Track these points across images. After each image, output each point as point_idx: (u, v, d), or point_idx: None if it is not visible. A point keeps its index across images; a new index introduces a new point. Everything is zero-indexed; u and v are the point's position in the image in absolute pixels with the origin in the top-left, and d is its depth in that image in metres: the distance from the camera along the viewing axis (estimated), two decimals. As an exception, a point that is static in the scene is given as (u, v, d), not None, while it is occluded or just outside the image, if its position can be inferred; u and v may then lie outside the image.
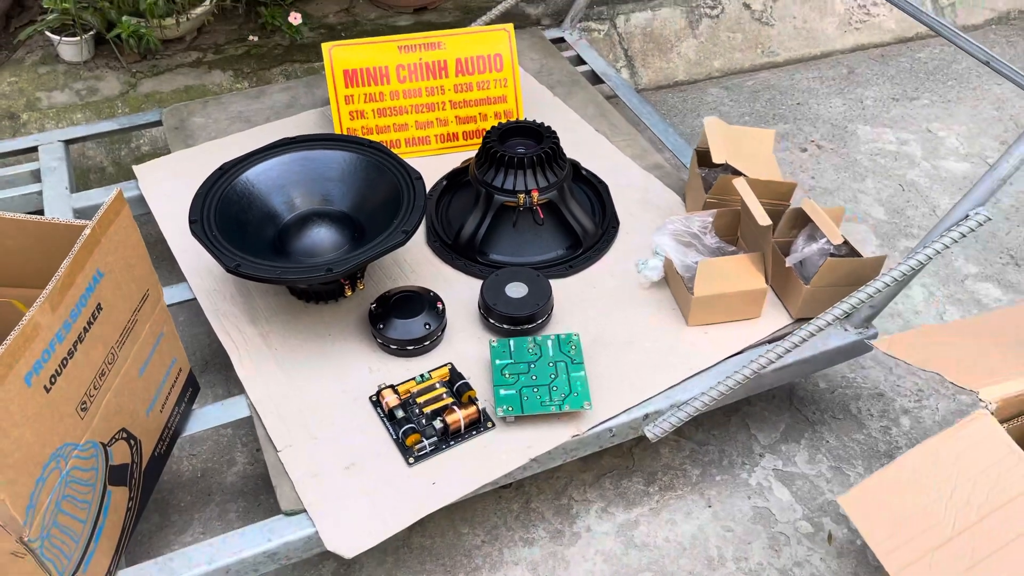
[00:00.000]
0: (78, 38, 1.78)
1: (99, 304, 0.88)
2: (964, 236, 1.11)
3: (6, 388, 0.75)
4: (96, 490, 0.91)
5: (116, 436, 0.94)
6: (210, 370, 1.39)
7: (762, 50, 2.12)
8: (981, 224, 1.10)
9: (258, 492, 1.23)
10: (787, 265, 1.22)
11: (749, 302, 1.22)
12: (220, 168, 1.24)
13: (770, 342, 1.23)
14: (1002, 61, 1.17)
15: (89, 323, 0.87)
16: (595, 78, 1.79)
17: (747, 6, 2.13)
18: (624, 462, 1.28)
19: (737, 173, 1.30)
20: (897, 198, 1.75)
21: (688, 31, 2.08)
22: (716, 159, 1.28)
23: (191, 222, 1.16)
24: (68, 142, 1.57)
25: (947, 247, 1.11)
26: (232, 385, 1.36)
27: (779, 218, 1.28)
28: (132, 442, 0.98)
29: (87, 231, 0.86)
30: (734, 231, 1.29)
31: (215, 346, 1.41)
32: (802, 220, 1.26)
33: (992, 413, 0.84)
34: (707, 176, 1.36)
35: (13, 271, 0.98)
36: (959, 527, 0.80)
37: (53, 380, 0.82)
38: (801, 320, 1.24)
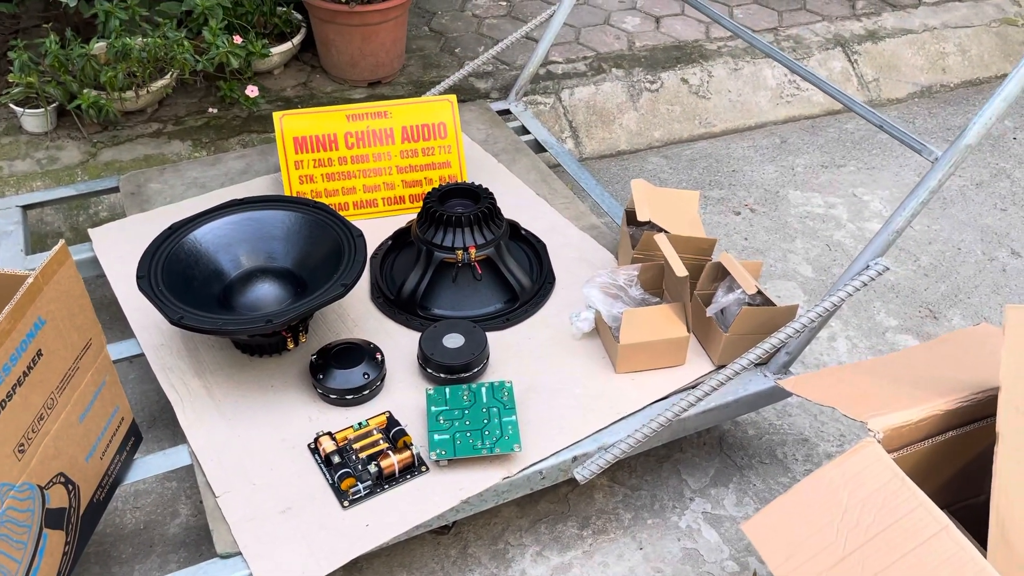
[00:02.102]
0: (41, 110, 1.85)
1: (39, 350, 0.93)
2: (865, 285, 1.19)
3: (-56, 425, 0.79)
4: (32, 531, 0.94)
5: (54, 480, 0.97)
6: (158, 426, 1.42)
7: (699, 121, 2.24)
8: (880, 273, 1.19)
9: (199, 543, 1.25)
10: (708, 315, 1.29)
11: (673, 349, 1.28)
12: (169, 228, 1.30)
13: (693, 387, 1.29)
14: (894, 125, 1.27)
15: (28, 368, 0.91)
16: (538, 147, 1.89)
17: (685, 81, 2.27)
18: (560, 507, 1.32)
19: (661, 230, 1.38)
20: (824, 257, 1.85)
21: (629, 104, 2.20)
22: (640, 217, 1.36)
23: (138, 278, 1.21)
24: (26, 207, 1.63)
25: (850, 295, 1.19)
26: (179, 440, 1.38)
27: (700, 272, 1.36)
28: (70, 487, 1.01)
29: (30, 280, 0.91)
30: (659, 284, 1.37)
31: (163, 402, 1.45)
32: (722, 273, 1.34)
33: (879, 442, 0.90)
34: (634, 234, 1.45)
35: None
36: (849, 548, 0.85)
37: (-9, 420, 0.86)
38: (722, 366, 1.31)
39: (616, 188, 2.03)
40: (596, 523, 1.30)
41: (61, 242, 0.96)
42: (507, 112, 2.00)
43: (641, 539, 1.27)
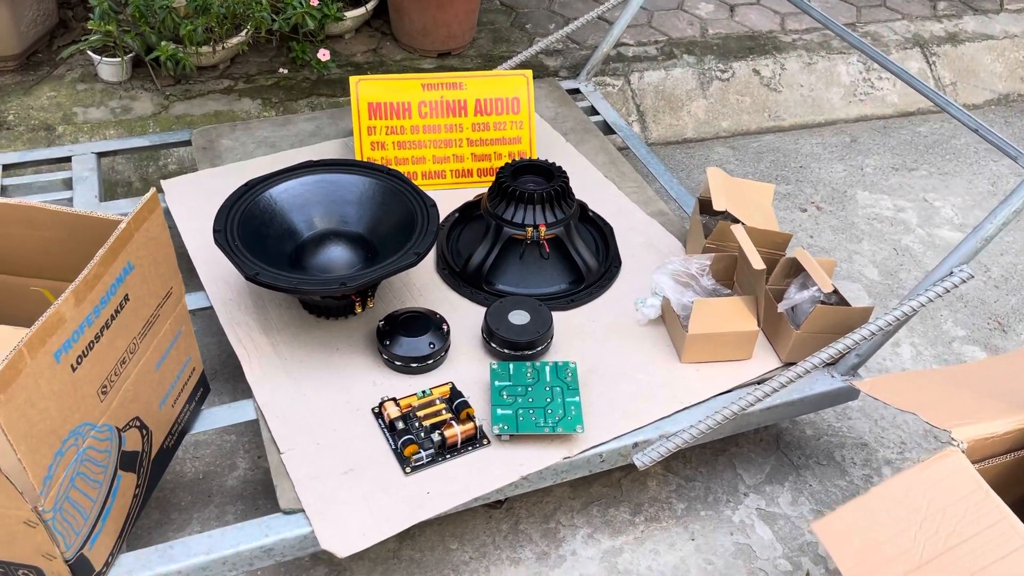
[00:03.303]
0: (118, 59, 1.87)
1: (126, 295, 0.94)
2: (948, 291, 1.16)
3: (37, 362, 0.81)
4: (108, 472, 0.96)
5: (130, 423, 0.99)
6: (219, 379, 1.43)
7: (769, 114, 2.21)
8: (964, 281, 1.16)
9: (256, 497, 1.27)
10: (779, 310, 1.27)
11: (741, 343, 1.27)
12: (246, 184, 1.31)
13: (759, 383, 1.27)
14: (990, 129, 1.24)
15: (116, 311, 0.92)
16: (607, 128, 1.87)
17: (757, 72, 2.23)
18: (613, 492, 1.31)
19: (736, 221, 1.36)
20: (891, 261, 1.81)
21: (699, 91, 2.17)
22: (716, 206, 1.34)
23: (215, 232, 1.22)
24: (100, 155, 1.65)
25: (931, 300, 1.16)
26: (239, 395, 1.40)
27: (774, 266, 1.34)
28: (144, 431, 1.03)
29: (122, 225, 0.92)
30: (730, 275, 1.35)
31: (225, 356, 1.47)
32: (795, 269, 1.32)
33: (963, 452, 0.89)
34: (707, 223, 1.43)
35: (48, 262, 1.04)
36: (926, 557, 0.84)
37: (79, 360, 0.87)
38: (790, 364, 1.29)
39: (681, 176, 2.01)
40: (648, 510, 1.29)
41: (152, 190, 0.97)
42: (576, 91, 1.98)
43: (693, 530, 1.27)
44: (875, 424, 1.45)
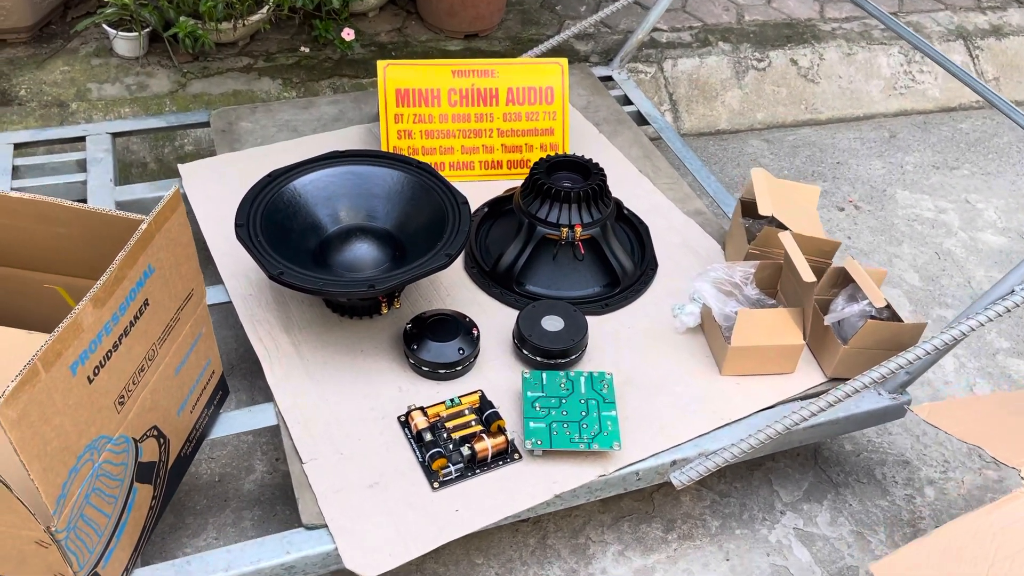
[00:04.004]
0: (135, 33, 1.80)
1: (146, 300, 0.88)
2: (1009, 311, 1.10)
3: (52, 376, 0.75)
4: (123, 485, 0.91)
5: (147, 433, 0.94)
6: (235, 375, 1.38)
7: (805, 106, 2.13)
8: (1028, 300, 1.09)
9: (274, 502, 1.22)
10: (826, 323, 1.21)
11: (785, 356, 1.21)
12: (269, 175, 1.25)
13: (802, 398, 1.22)
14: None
15: (135, 318, 0.87)
16: (640, 119, 1.80)
17: (794, 62, 2.14)
18: (644, 506, 1.26)
19: (781, 226, 1.30)
20: (932, 266, 1.74)
21: (734, 81, 2.09)
22: (763, 211, 1.28)
23: (237, 225, 1.16)
24: (115, 135, 1.59)
25: (991, 320, 1.10)
26: (257, 392, 1.35)
27: (820, 275, 1.28)
28: (161, 440, 0.97)
29: (143, 226, 0.87)
30: (774, 284, 1.28)
31: (242, 351, 1.41)
32: (843, 279, 1.26)
33: (1035, 493, 0.83)
34: (750, 227, 1.36)
35: (61, 258, 0.99)
36: (996, 607, 0.78)
37: (96, 371, 0.82)
38: (835, 380, 1.23)
39: (715, 169, 1.93)
40: (682, 527, 1.24)
41: (175, 188, 0.91)
42: (608, 79, 1.91)
43: (728, 549, 1.22)
44: (917, 440, 1.39)
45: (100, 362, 0.82)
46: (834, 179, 1.96)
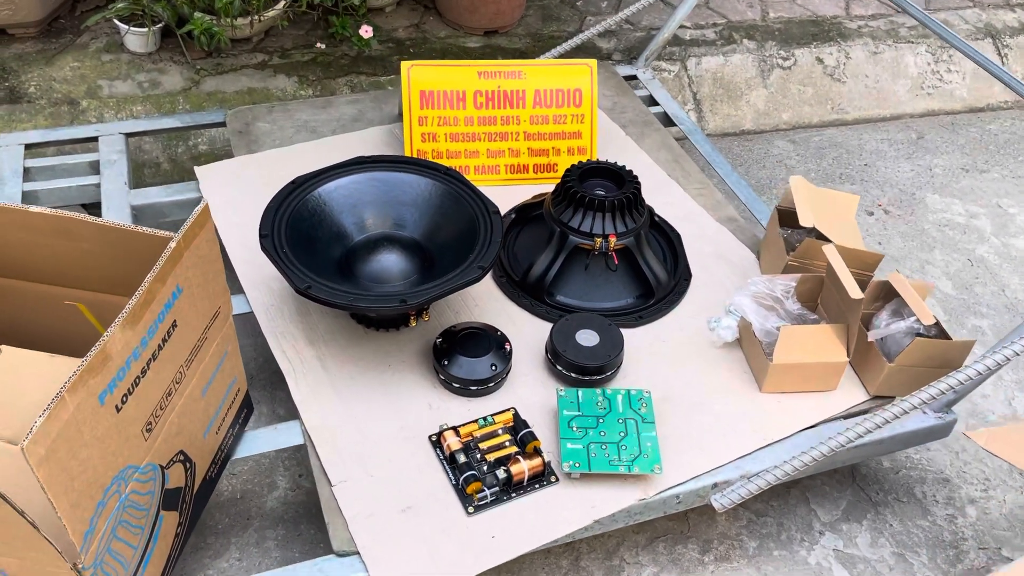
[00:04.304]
0: (146, 29, 1.75)
1: (175, 321, 0.84)
2: (1066, 331, 1.06)
3: (80, 408, 0.71)
4: (150, 515, 0.87)
5: (174, 459, 0.90)
6: (255, 386, 1.34)
7: (832, 106, 2.08)
8: (1085, 320, 1.05)
9: (298, 521, 1.19)
10: (870, 339, 1.17)
11: (827, 374, 1.17)
12: (293, 181, 1.20)
13: (845, 417, 1.18)
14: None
15: (163, 341, 0.83)
16: (667, 120, 1.75)
17: (820, 60, 2.09)
18: (679, 526, 1.23)
19: (822, 237, 1.25)
20: (965, 273, 1.70)
21: (759, 80, 2.04)
22: (803, 222, 1.23)
23: (262, 236, 1.12)
24: (129, 135, 1.54)
25: (1047, 340, 1.06)
26: (278, 404, 1.31)
27: (862, 287, 1.23)
28: (187, 465, 0.93)
29: (172, 244, 0.82)
30: (815, 298, 1.24)
31: (261, 360, 1.37)
32: (886, 293, 1.22)
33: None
34: (789, 236, 1.32)
35: (83, 274, 0.94)
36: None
37: (124, 399, 0.77)
38: (878, 397, 1.19)
39: (740, 171, 1.89)
40: (718, 548, 1.20)
41: (204, 203, 0.86)
42: (633, 78, 1.86)
43: (767, 572, 1.18)
44: (956, 457, 1.35)
45: (129, 389, 0.78)
46: (862, 181, 1.91)
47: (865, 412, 1.17)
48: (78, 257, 0.92)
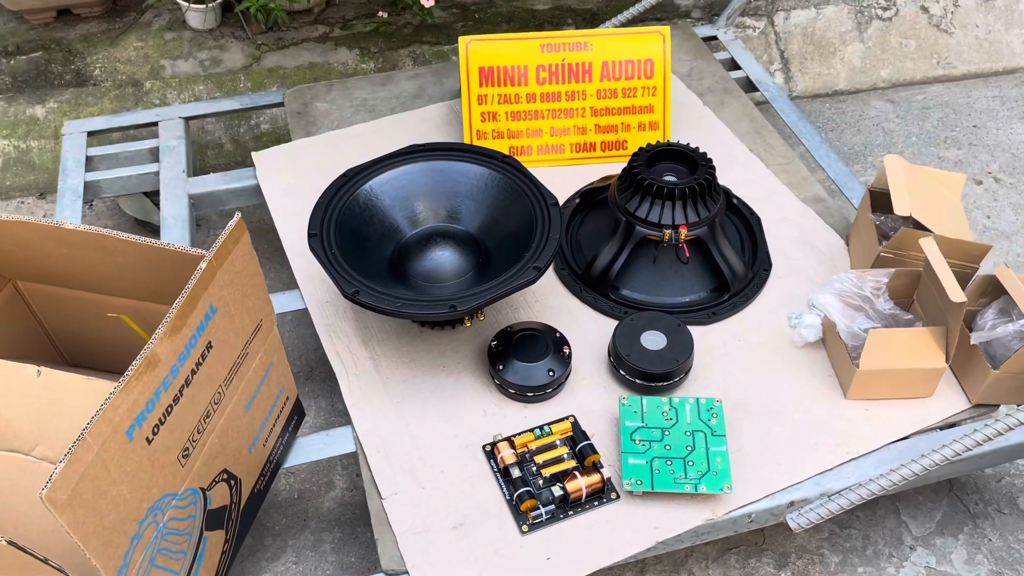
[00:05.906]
0: (204, 5, 1.71)
1: (209, 343, 0.81)
2: None
3: (105, 447, 0.68)
4: (192, 538, 0.85)
5: (216, 479, 0.87)
6: (315, 378, 1.32)
7: (938, 60, 1.89)
8: None
9: (355, 523, 1.16)
10: (973, 343, 1.05)
11: (922, 380, 1.06)
12: (344, 175, 1.15)
13: (941, 428, 1.07)
14: None
15: (197, 364, 0.79)
16: (749, 85, 1.62)
17: (925, 9, 1.90)
18: (753, 537, 1.15)
19: (920, 226, 1.13)
20: (1088, 250, 1.53)
21: (855, 34, 1.87)
22: (899, 211, 1.11)
23: (310, 235, 1.07)
24: (188, 119, 1.51)
25: None
26: (336, 399, 1.29)
27: (965, 282, 1.11)
28: (232, 482, 0.91)
29: (203, 264, 0.78)
30: (910, 294, 1.12)
31: (321, 353, 1.34)
32: (994, 289, 1.09)
33: None
34: (882, 223, 1.19)
35: (123, 285, 0.92)
36: None
37: (156, 430, 0.75)
38: (980, 406, 1.07)
39: (831, 136, 1.74)
40: (796, 563, 1.12)
41: (237, 215, 0.82)
42: (713, 39, 1.72)
43: (849, 591, 1.10)
44: (1070, 464, 1.22)
45: (160, 419, 0.75)
46: (970, 146, 1.73)
47: (964, 422, 1.06)
48: (116, 269, 0.89)
